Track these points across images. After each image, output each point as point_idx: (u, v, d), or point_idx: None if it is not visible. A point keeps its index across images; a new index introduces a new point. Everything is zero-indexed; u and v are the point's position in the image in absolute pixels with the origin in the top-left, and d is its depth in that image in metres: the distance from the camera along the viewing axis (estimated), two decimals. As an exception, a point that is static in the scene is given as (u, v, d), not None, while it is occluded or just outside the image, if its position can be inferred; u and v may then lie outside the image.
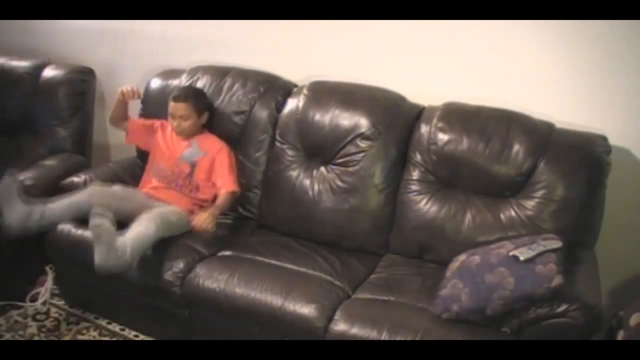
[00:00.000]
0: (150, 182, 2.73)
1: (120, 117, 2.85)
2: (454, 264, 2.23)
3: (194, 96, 2.72)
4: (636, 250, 2.53)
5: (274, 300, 2.22)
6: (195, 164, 2.70)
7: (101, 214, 2.27)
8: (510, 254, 2.08)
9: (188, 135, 2.72)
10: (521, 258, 2.04)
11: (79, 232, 2.55)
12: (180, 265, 2.39)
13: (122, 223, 2.35)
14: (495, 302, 2.01)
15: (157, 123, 2.84)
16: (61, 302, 2.79)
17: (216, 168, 2.70)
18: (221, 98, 2.81)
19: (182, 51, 3.13)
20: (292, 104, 2.74)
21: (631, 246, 2.53)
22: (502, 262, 2.07)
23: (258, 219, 2.78)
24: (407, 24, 2.63)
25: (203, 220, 2.45)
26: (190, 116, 2.68)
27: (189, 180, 2.69)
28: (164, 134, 2.80)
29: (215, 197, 2.70)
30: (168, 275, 2.37)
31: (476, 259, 2.16)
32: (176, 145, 2.74)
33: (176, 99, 2.68)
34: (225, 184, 2.68)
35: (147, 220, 2.35)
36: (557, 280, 1.94)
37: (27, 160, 2.91)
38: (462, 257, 2.24)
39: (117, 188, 2.58)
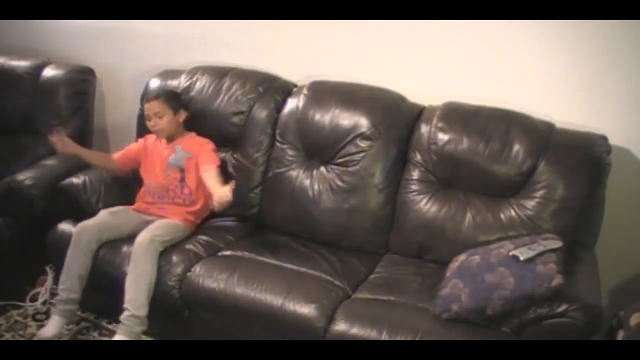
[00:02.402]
0: (144, 197, 2.72)
1: (103, 162, 2.81)
2: (454, 264, 2.23)
3: (164, 93, 2.74)
4: (636, 250, 2.53)
5: (274, 300, 2.21)
6: (183, 168, 2.65)
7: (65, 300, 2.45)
8: (510, 253, 2.08)
9: (168, 134, 2.70)
10: (521, 258, 2.04)
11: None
12: (178, 270, 2.39)
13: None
14: (495, 302, 2.01)
15: (140, 142, 2.83)
16: (61, 302, 2.79)
17: (200, 155, 2.65)
18: (220, 98, 2.81)
19: (182, 51, 3.13)
20: (292, 104, 2.73)
21: (631, 246, 2.53)
22: (502, 262, 2.07)
23: (258, 219, 2.78)
24: (407, 24, 2.63)
25: (222, 196, 2.35)
26: (164, 113, 2.66)
27: (180, 188, 2.66)
28: (148, 148, 2.77)
29: (206, 205, 2.68)
30: (167, 280, 2.37)
31: (476, 258, 2.16)
32: (161, 154, 2.70)
33: (147, 99, 2.74)
34: (211, 160, 2.63)
35: (135, 263, 2.35)
36: (557, 280, 1.94)
37: (27, 160, 2.91)
38: (462, 257, 2.24)
39: (104, 216, 2.54)
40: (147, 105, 2.70)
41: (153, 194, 2.68)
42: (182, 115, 2.73)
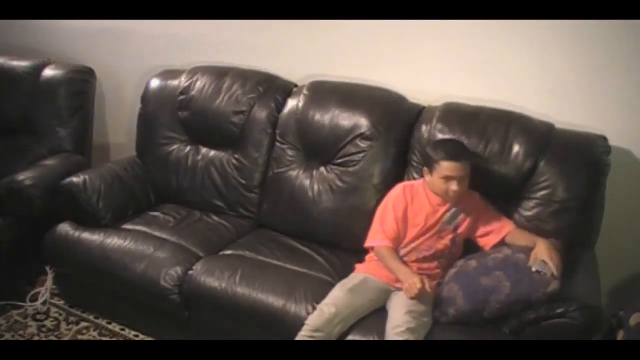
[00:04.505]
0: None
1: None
2: (453, 269, 2.23)
3: (472, 153, 2.34)
4: (636, 250, 2.53)
5: (276, 301, 2.22)
6: (457, 227, 2.30)
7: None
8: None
9: (461, 198, 2.28)
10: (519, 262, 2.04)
11: (77, 233, 2.56)
12: (178, 270, 2.39)
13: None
14: (492, 306, 2.02)
15: (402, 201, 2.33)
16: (61, 302, 2.79)
17: (481, 217, 2.32)
18: (220, 98, 2.80)
19: (182, 51, 3.13)
20: (292, 104, 2.73)
21: (631, 246, 2.53)
22: (499, 266, 2.07)
23: (258, 219, 2.78)
24: (407, 24, 2.63)
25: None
26: (468, 176, 2.25)
27: (449, 249, 2.30)
28: (412, 204, 2.33)
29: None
30: (166, 282, 2.37)
31: (473, 263, 2.17)
32: (435, 212, 2.30)
33: (458, 158, 2.21)
34: (506, 223, 2.31)
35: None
36: (554, 286, 1.94)
37: (27, 161, 2.91)
38: (460, 262, 2.24)
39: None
40: (457, 166, 2.19)
41: (418, 255, 2.29)
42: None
